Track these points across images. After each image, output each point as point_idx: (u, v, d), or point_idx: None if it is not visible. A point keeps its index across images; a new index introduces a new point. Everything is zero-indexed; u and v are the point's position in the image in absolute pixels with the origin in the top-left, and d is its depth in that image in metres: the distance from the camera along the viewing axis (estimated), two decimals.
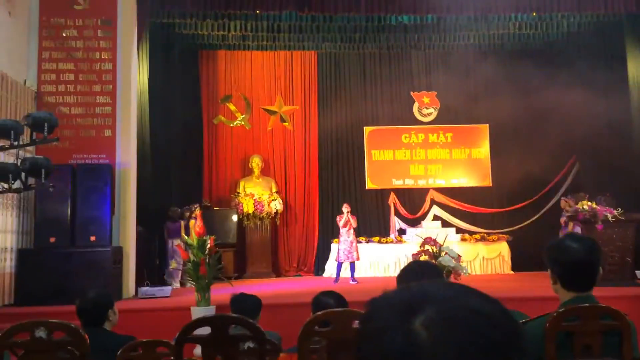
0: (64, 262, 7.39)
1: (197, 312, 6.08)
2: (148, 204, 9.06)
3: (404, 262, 10.26)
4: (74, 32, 8.19)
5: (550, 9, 9.31)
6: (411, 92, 12.45)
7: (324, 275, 11.16)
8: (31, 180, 5.88)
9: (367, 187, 12.22)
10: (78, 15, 8.18)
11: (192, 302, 6.37)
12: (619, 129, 9.83)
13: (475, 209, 11.95)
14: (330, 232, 11.69)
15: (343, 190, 12.14)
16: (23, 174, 5.76)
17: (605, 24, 10.39)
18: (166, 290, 8.08)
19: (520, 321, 2.23)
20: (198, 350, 2.84)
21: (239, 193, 11.59)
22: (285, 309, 6.18)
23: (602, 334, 2.14)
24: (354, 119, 12.19)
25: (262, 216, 11.39)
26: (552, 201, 11.31)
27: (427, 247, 7.50)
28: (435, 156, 12.33)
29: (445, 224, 11.63)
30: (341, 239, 9.54)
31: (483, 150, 12.30)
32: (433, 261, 7.17)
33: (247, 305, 3.60)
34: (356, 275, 9.55)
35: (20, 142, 5.83)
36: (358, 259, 9.57)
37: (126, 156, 8.15)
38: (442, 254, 7.33)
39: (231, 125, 12.09)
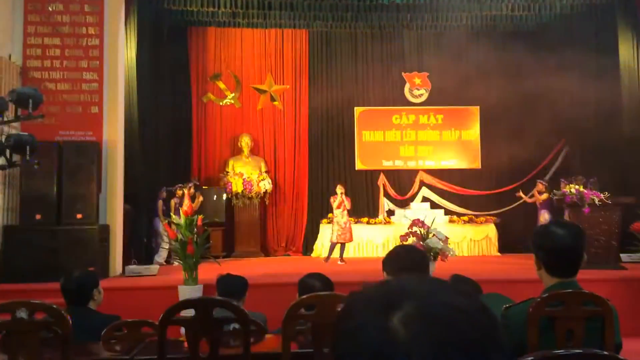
0: (50, 239, 7.35)
1: (184, 291, 6.10)
2: (135, 183, 9.00)
3: (392, 243, 10.32)
4: (60, 7, 8.02)
5: None
6: (403, 73, 12.38)
7: (313, 255, 11.20)
8: (16, 157, 5.81)
9: (356, 168, 12.22)
10: None
11: (180, 280, 6.39)
12: (609, 113, 9.85)
13: (464, 191, 12.00)
14: (319, 213, 11.70)
15: (333, 171, 12.13)
16: (7, 151, 5.68)
17: (597, 6, 10.34)
18: (153, 268, 8.08)
19: (504, 306, 2.24)
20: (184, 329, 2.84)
21: (228, 172, 11.54)
22: (272, 289, 6.20)
23: (584, 319, 2.15)
24: (345, 99, 12.13)
25: (251, 196, 11.36)
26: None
27: (415, 228, 7.51)
28: (426, 138, 12.32)
29: (434, 205, 11.68)
30: (335, 220, 9.54)
31: (473, 132, 12.31)
32: (421, 243, 7.20)
33: (233, 286, 3.60)
34: (344, 255, 9.59)
35: (5, 119, 5.75)
36: (351, 240, 9.62)
37: (113, 134, 8.06)
38: (430, 235, 7.35)
39: (220, 103, 11.98)
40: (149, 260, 9.41)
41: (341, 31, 12.17)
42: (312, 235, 11.61)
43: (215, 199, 11.34)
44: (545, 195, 9.75)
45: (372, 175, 12.19)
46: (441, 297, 0.66)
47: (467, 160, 12.29)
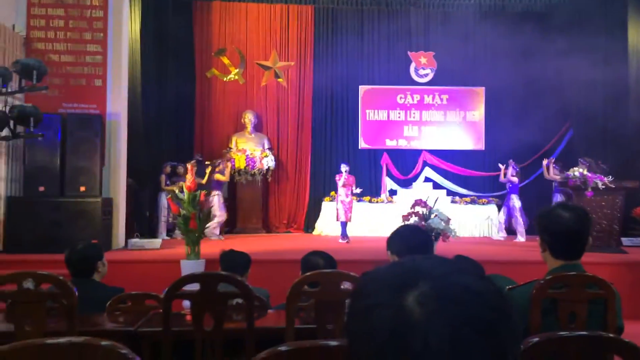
0: (53, 211, 7.38)
1: (186, 265, 6.13)
2: (139, 157, 9.00)
3: (394, 222, 10.30)
4: None
5: None
6: (408, 52, 12.26)
7: (314, 233, 11.24)
8: (20, 129, 5.80)
9: (359, 147, 12.19)
10: None
11: (182, 255, 6.42)
12: (615, 97, 9.77)
13: (467, 172, 11.98)
14: (321, 190, 11.72)
15: (336, 149, 12.11)
16: (11, 122, 5.68)
17: None
18: (156, 242, 8.12)
19: (507, 287, 2.25)
20: (187, 303, 2.86)
21: (230, 148, 11.52)
22: (274, 266, 6.24)
23: (587, 302, 2.16)
24: (350, 78, 12.04)
25: (254, 172, 11.36)
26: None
27: (417, 208, 7.51)
28: (430, 118, 12.26)
29: (437, 186, 11.67)
30: (339, 198, 9.49)
31: (478, 113, 12.24)
32: (423, 223, 7.21)
33: (236, 261, 3.61)
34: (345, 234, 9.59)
35: (9, 89, 5.72)
36: (350, 220, 9.55)
37: (117, 107, 8.04)
38: (432, 216, 7.35)
39: (224, 79, 11.89)
40: (152, 234, 9.46)
41: (347, 8, 12.04)
42: (313, 213, 11.64)
43: None
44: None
45: (375, 154, 12.17)
46: (457, 278, 0.66)
47: (471, 141, 12.25)
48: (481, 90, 12.17)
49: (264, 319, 2.93)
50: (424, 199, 7.66)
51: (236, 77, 11.89)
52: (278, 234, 11.39)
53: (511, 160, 10.17)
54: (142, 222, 9.59)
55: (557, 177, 9.49)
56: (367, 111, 12.21)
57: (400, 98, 12.23)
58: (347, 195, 9.40)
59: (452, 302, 0.63)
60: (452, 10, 11.78)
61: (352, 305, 0.69)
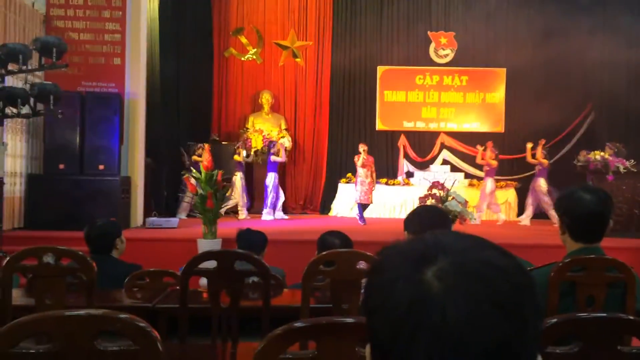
0: (73, 188, 7.48)
1: (203, 245, 6.19)
2: (157, 136, 9.04)
3: (410, 205, 10.28)
4: None
5: None
6: (428, 32, 12.08)
7: (330, 214, 11.25)
8: (40, 106, 5.85)
9: (377, 129, 12.11)
10: None
11: (199, 234, 6.47)
12: (639, 79, 9.56)
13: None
14: (337, 172, 11.69)
15: (353, 130, 12.05)
16: (32, 100, 5.73)
17: None
18: (173, 221, 8.19)
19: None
20: (203, 281, 2.88)
21: (247, 128, 11.52)
22: (290, 246, 6.26)
23: (606, 285, 2.13)
24: (368, 58, 11.92)
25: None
26: (564, 150, 11.17)
27: (434, 191, 7.47)
28: (449, 99, 12.11)
29: (454, 168, 11.58)
30: (359, 179, 9.36)
31: (498, 95, 12.07)
32: (440, 205, 7.17)
33: (253, 240, 3.63)
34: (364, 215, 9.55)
35: (29, 67, 5.76)
36: (370, 202, 9.47)
37: (135, 86, 8.07)
38: (449, 198, 7.30)
39: (242, 58, 11.86)
40: (170, 213, 9.54)
41: None
42: (329, 194, 11.63)
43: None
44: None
45: (393, 136, 12.09)
46: (478, 254, 0.65)
47: (490, 123, 12.10)
48: (502, 71, 11.97)
49: (280, 297, 2.95)
50: (441, 181, 7.62)
51: (254, 57, 11.85)
52: (294, 215, 11.40)
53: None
54: (160, 201, 9.67)
55: (545, 162, 9.45)
56: (385, 92, 12.11)
57: (419, 79, 12.10)
58: (367, 176, 9.28)
59: (472, 276, 0.62)
60: None
61: (370, 278, 0.68)
